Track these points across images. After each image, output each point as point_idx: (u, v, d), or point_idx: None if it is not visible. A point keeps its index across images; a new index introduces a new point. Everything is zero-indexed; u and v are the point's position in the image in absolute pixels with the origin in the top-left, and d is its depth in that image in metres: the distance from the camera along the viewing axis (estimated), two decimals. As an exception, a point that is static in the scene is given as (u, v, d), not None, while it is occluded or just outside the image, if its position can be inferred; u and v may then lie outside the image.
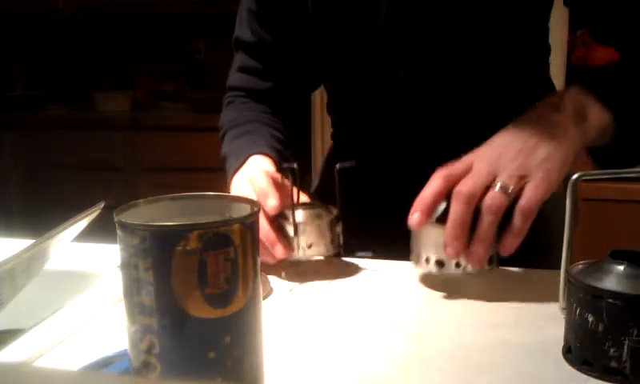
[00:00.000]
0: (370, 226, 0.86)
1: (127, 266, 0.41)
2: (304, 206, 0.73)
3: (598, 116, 0.70)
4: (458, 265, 0.66)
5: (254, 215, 0.43)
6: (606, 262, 0.51)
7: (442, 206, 0.64)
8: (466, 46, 0.82)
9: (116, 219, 0.41)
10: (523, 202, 0.61)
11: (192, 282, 0.39)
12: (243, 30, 0.92)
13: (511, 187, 0.61)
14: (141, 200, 0.46)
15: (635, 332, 0.48)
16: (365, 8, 0.82)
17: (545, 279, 0.70)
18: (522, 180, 0.62)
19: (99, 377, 0.31)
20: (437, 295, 0.67)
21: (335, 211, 0.73)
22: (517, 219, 0.61)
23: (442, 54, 0.82)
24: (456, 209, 0.61)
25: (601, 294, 0.50)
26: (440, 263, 0.66)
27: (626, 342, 0.48)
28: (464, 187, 0.62)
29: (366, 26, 0.82)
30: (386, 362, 0.53)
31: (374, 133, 0.89)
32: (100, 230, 0.71)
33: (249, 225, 0.42)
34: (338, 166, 0.74)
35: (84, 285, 0.68)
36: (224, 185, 0.81)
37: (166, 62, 2.97)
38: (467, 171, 0.63)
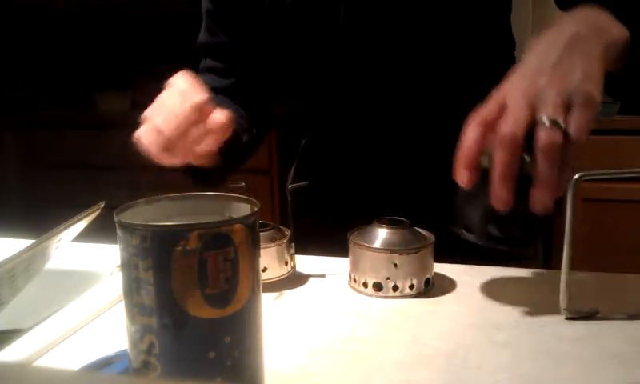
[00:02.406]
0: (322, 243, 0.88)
1: (127, 266, 0.41)
2: None
3: (617, 32, 0.63)
4: (395, 288, 0.67)
5: (254, 215, 0.43)
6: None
7: (485, 159, 0.56)
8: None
9: (116, 219, 0.41)
10: (573, 131, 0.52)
11: (192, 282, 0.39)
12: (202, 32, 0.93)
13: (560, 119, 0.52)
14: (141, 200, 0.46)
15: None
16: None
17: (545, 279, 0.70)
18: (566, 107, 0.53)
19: (99, 377, 0.31)
20: (436, 295, 0.67)
21: (288, 232, 0.73)
22: (571, 153, 0.53)
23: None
24: (501, 157, 0.53)
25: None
26: (378, 286, 0.67)
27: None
28: (505, 129, 0.53)
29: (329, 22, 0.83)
30: (386, 362, 0.53)
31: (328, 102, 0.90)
32: (100, 230, 0.71)
33: (249, 225, 0.42)
34: (290, 186, 0.73)
35: (84, 285, 0.68)
36: (224, 185, 0.82)
37: (166, 62, 2.97)
38: (502, 110, 0.55)
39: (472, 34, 0.84)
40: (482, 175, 0.55)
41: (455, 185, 0.58)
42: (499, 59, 0.88)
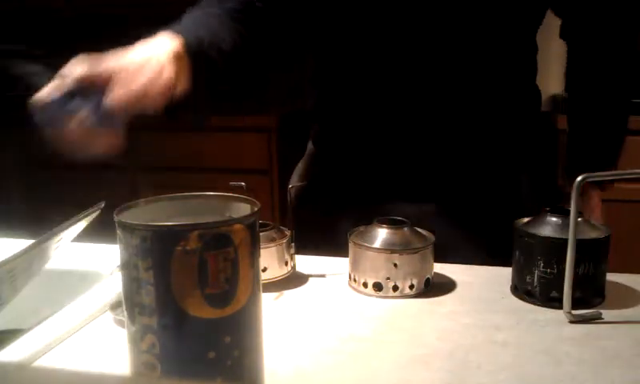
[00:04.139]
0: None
1: (127, 266, 0.41)
2: None
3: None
4: (395, 288, 0.67)
5: (254, 215, 0.43)
6: (543, 215, 0.65)
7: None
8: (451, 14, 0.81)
9: (116, 219, 0.41)
10: None
11: (192, 282, 0.39)
12: None
13: None
14: (141, 200, 0.46)
15: (542, 264, 0.63)
16: None
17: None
18: None
19: (99, 377, 0.31)
20: (436, 295, 0.67)
21: (288, 232, 0.73)
22: None
23: (427, 17, 0.81)
24: None
25: (521, 234, 0.65)
26: (378, 286, 0.67)
27: (536, 271, 0.63)
28: None
29: None
30: (386, 362, 0.53)
31: (358, 102, 0.89)
32: (100, 230, 0.71)
33: (249, 225, 0.42)
34: (290, 186, 0.73)
35: (84, 285, 0.68)
36: (224, 185, 0.81)
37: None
38: None
39: (500, 34, 0.85)
40: (537, 241, 0.63)
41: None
42: (521, 59, 0.89)
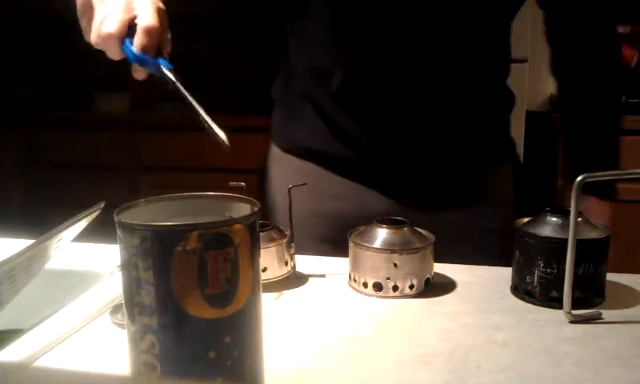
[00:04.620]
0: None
1: (127, 266, 0.41)
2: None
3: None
4: (395, 288, 0.67)
5: (254, 215, 0.43)
6: (543, 215, 0.65)
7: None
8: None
9: (116, 219, 0.41)
10: None
11: (192, 282, 0.39)
12: None
13: None
14: (141, 200, 0.46)
15: (542, 264, 0.63)
16: None
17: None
18: None
19: (99, 377, 0.31)
20: (436, 295, 0.67)
21: (288, 232, 0.73)
22: None
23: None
24: None
25: (521, 234, 0.65)
26: (378, 286, 0.67)
27: (536, 271, 0.63)
28: None
29: None
30: (386, 362, 0.53)
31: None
32: (100, 230, 0.71)
33: (249, 225, 0.42)
34: (290, 186, 0.73)
35: (84, 285, 0.68)
36: (224, 185, 0.81)
37: (166, 62, 2.96)
38: None
39: (475, 33, 0.86)
40: (537, 241, 0.63)
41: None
42: (493, 59, 0.91)
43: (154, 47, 0.66)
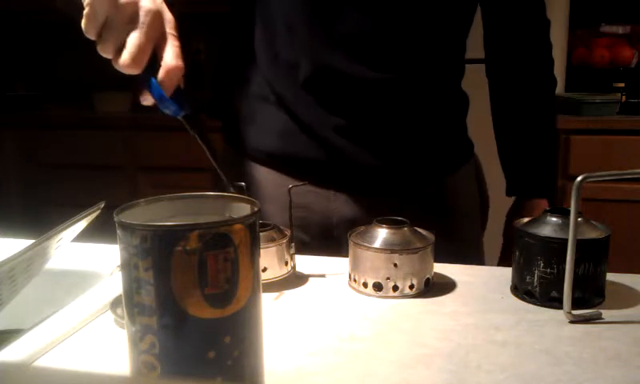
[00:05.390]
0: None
1: (127, 266, 0.41)
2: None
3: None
4: (395, 288, 0.67)
5: (254, 215, 0.43)
6: (543, 215, 0.66)
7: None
8: None
9: (116, 219, 0.41)
10: None
11: (192, 282, 0.39)
12: None
13: None
14: (141, 200, 0.46)
15: (542, 264, 0.63)
16: None
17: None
18: None
19: (99, 377, 0.30)
20: (436, 295, 0.68)
21: (288, 232, 0.73)
22: None
23: None
24: None
25: (521, 234, 0.65)
26: (378, 286, 0.67)
27: (536, 271, 0.64)
28: None
29: None
30: (386, 362, 0.53)
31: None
32: (100, 230, 0.71)
33: (249, 225, 0.42)
34: (290, 186, 0.73)
35: (84, 285, 0.68)
36: (224, 185, 0.81)
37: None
38: None
39: (427, 29, 0.87)
40: (537, 241, 0.63)
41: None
42: (448, 60, 0.93)
43: (174, 87, 0.65)
